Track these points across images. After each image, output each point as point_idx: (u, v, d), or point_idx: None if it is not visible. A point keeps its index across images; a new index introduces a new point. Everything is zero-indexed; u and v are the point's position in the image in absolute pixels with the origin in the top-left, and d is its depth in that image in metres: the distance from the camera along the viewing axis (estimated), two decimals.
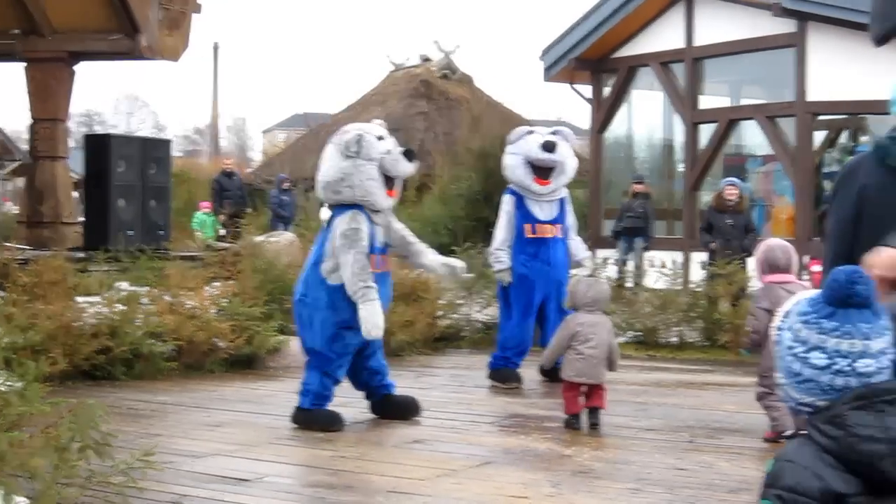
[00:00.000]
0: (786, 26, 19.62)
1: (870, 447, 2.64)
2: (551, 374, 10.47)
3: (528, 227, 10.94)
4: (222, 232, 24.35)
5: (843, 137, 20.99)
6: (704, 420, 9.15)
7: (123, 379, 10.61)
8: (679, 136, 22.85)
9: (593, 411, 8.68)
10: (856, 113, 19.44)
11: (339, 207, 8.75)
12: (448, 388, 10.83)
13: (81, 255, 13.98)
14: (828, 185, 18.75)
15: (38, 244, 15.79)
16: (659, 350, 13.44)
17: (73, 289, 11.60)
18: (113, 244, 14.29)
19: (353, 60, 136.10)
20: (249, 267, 12.71)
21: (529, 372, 10.99)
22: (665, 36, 21.95)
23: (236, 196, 26.24)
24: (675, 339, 13.75)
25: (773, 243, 8.52)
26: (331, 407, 8.74)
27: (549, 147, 10.88)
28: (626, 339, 13.29)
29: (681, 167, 23.00)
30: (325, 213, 8.97)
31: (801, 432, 2.79)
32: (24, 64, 17.24)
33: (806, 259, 15.46)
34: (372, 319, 8.37)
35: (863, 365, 2.71)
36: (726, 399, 10.16)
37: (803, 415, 2.80)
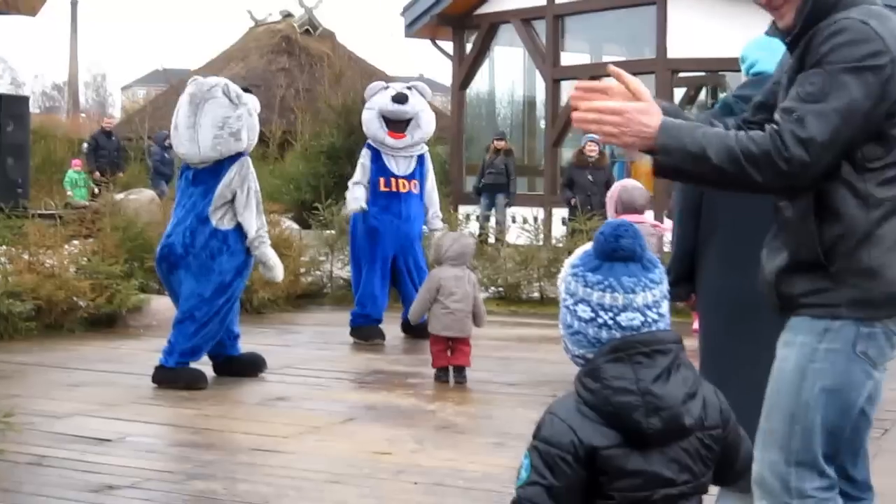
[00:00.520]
0: None
1: (622, 399, 2.66)
2: (414, 329, 10.52)
3: (381, 180, 10.90)
4: (97, 191, 23.94)
5: (703, 94, 21.37)
6: (566, 375, 9.17)
7: None
8: (540, 93, 23.05)
9: (459, 370, 8.75)
10: (715, 70, 19.80)
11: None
12: (311, 345, 10.82)
13: None
14: None
15: None
16: (521, 305, 13.56)
17: None
18: None
19: (213, 15, 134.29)
20: (109, 225, 12.52)
21: (392, 328, 11.03)
22: None
23: (112, 156, 26.00)
24: (536, 295, 13.87)
25: (629, 184, 8.61)
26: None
27: (400, 99, 10.87)
28: (489, 295, 13.36)
29: (542, 124, 23.21)
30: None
31: None
32: None
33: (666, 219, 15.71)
34: (277, 260, 8.82)
35: (626, 319, 2.71)
36: None
37: (580, 366, 2.81)
